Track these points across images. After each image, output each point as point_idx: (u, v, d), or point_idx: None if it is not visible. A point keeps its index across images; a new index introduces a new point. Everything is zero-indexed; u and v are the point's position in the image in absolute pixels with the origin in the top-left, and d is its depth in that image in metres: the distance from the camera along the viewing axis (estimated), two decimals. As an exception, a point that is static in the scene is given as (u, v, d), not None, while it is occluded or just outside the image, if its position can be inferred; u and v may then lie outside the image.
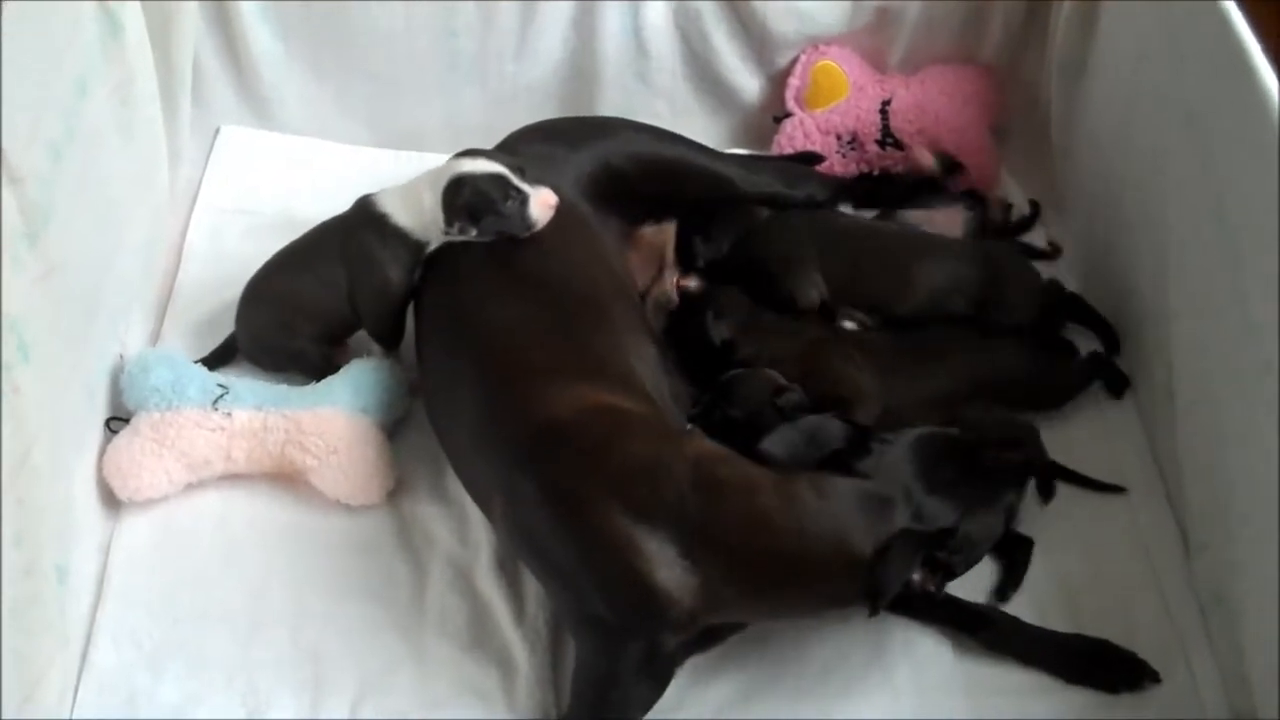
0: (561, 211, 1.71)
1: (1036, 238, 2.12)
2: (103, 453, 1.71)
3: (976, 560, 1.57)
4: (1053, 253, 2.07)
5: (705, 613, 1.44)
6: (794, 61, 2.23)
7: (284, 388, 1.78)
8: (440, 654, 1.62)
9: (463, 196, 1.68)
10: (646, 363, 1.67)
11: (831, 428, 1.53)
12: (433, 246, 1.76)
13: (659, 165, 1.96)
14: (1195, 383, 1.68)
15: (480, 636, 1.63)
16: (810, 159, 2.18)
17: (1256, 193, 1.49)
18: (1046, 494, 1.75)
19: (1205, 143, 1.62)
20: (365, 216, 1.77)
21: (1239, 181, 1.55)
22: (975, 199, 2.09)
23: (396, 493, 1.76)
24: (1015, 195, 2.16)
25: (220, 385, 1.75)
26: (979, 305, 1.88)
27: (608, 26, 2.15)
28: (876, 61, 2.26)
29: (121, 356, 1.79)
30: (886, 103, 2.18)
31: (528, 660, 1.60)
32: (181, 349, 1.85)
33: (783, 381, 1.71)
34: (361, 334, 1.85)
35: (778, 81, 2.25)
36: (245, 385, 1.77)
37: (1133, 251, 1.88)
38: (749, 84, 2.26)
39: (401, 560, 1.71)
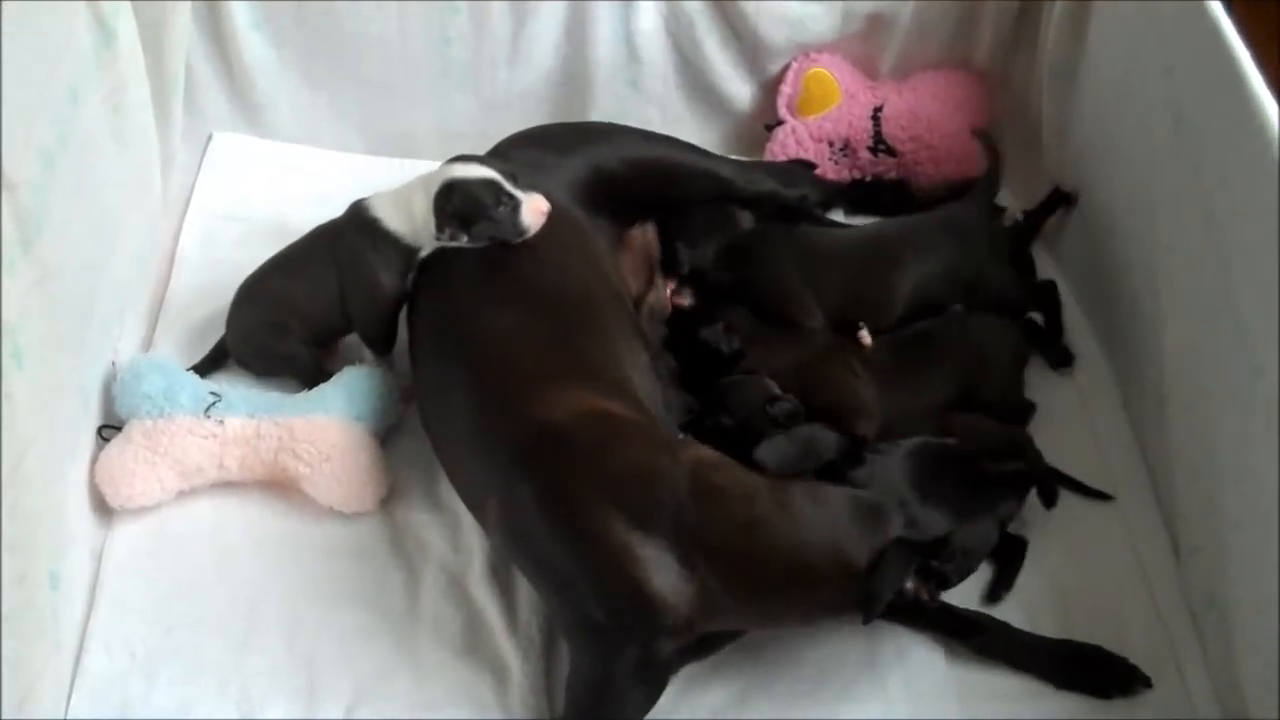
0: (554, 217, 1.71)
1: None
2: (95, 460, 1.71)
3: (971, 570, 1.57)
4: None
5: (701, 619, 1.45)
6: (786, 69, 2.23)
7: (277, 395, 1.78)
8: (434, 660, 1.62)
9: (454, 202, 1.69)
10: (640, 369, 1.67)
11: (825, 437, 1.54)
12: (425, 252, 1.76)
13: (652, 167, 1.96)
14: (1186, 387, 1.69)
15: (474, 643, 1.63)
16: (802, 167, 2.18)
17: (1247, 196, 1.49)
18: (1049, 501, 1.73)
19: (1195, 146, 1.63)
20: (357, 221, 1.77)
21: (1229, 185, 1.55)
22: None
23: (389, 500, 1.76)
24: (1005, 198, 2.16)
25: (213, 393, 1.75)
26: (967, 288, 1.91)
27: (600, 33, 2.16)
28: (868, 68, 2.27)
29: (114, 364, 1.79)
30: (878, 109, 2.18)
31: (521, 667, 1.59)
32: (174, 356, 1.84)
33: (776, 390, 1.71)
34: (354, 341, 1.85)
35: (769, 89, 2.25)
36: (238, 393, 1.77)
37: (1123, 255, 1.89)
38: (741, 91, 2.26)
39: (395, 567, 1.71)
